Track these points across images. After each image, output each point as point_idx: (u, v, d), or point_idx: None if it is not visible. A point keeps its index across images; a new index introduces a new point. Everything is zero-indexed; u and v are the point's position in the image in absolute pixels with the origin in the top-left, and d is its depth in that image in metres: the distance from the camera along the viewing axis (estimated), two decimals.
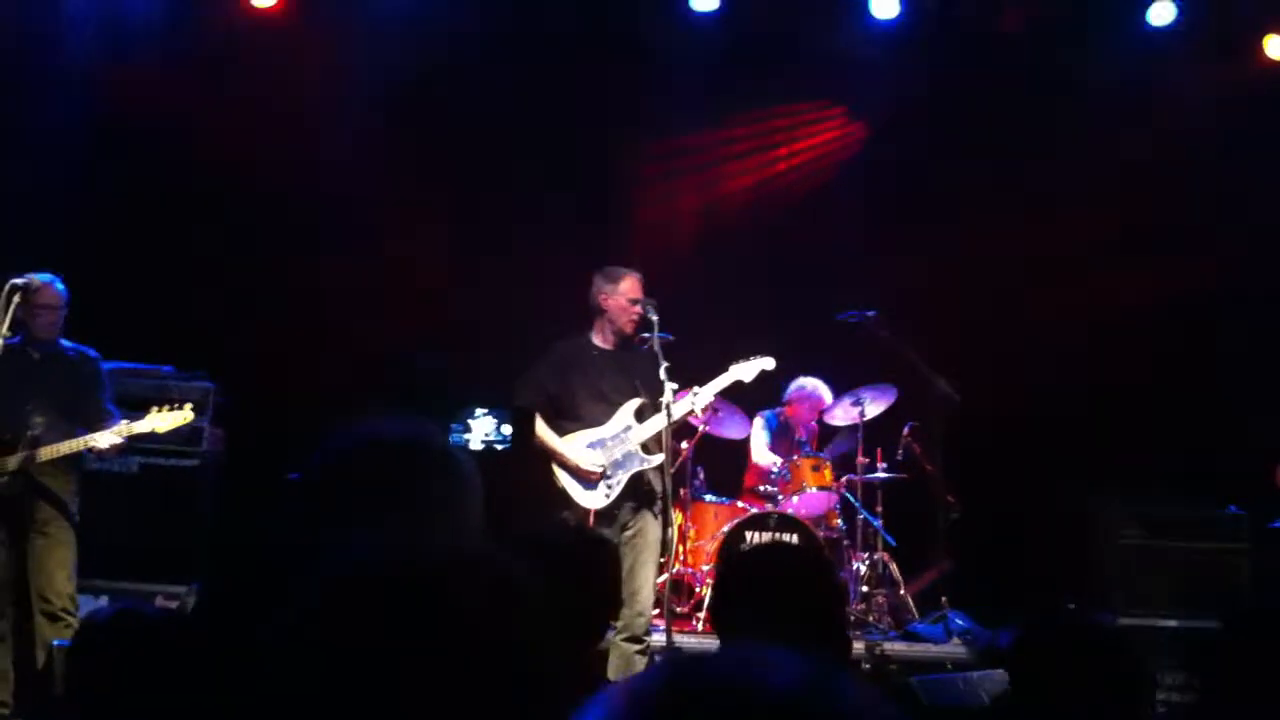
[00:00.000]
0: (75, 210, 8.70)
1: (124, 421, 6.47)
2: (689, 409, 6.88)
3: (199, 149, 8.89)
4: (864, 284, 9.18)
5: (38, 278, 6.52)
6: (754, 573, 3.18)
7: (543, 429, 6.72)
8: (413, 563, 1.29)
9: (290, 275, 9.04)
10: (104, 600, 6.80)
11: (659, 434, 6.64)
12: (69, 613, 6.39)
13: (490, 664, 1.24)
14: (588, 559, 3.27)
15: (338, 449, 2.12)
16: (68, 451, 6.42)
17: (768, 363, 7.28)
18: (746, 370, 7.16)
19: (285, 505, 2.13)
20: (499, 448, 6.52)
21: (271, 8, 9.07)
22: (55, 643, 5.97)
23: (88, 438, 6.41)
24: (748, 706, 0.99)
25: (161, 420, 6.55)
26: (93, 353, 6.75)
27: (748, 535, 7.97)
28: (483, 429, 6.43)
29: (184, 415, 6.63)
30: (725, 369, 7.18)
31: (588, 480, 6.66)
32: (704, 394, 7.00)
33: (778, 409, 8.99)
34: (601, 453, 6.67)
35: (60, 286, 6.58)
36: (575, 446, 6.66)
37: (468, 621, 1.25)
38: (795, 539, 7.91)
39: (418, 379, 8.36)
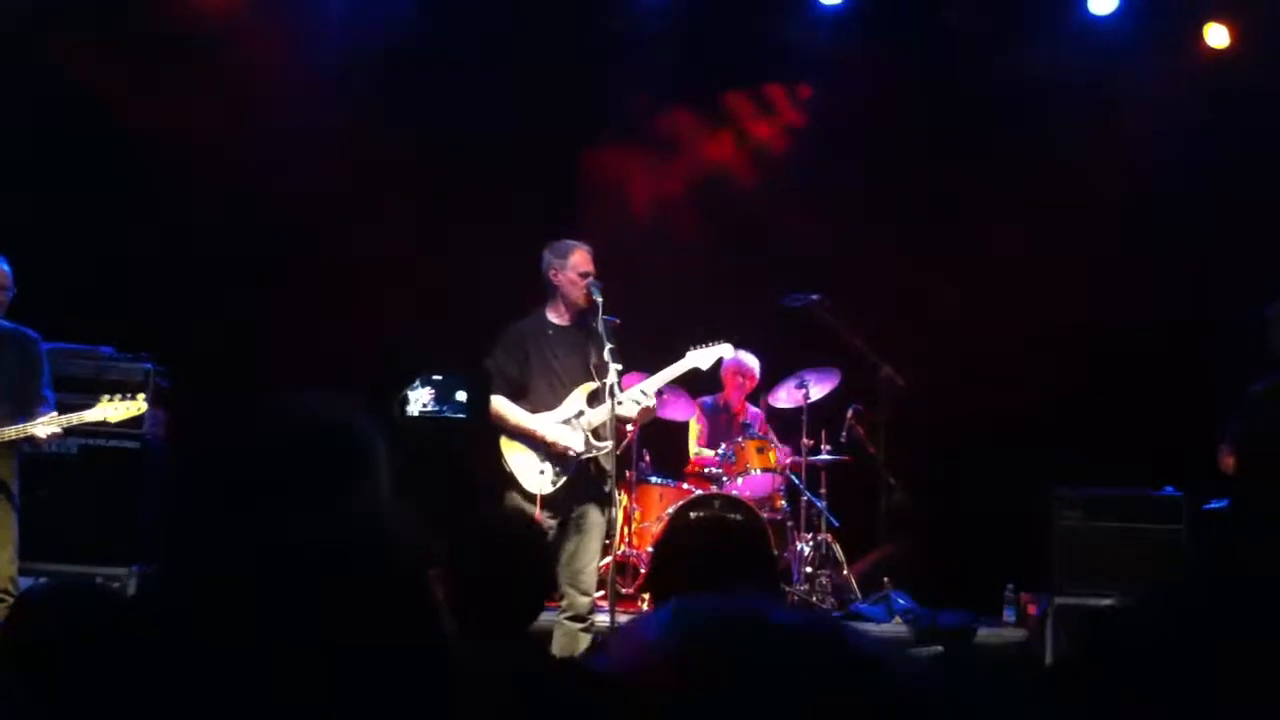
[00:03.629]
0: (19, 191, 8.59)
1: (56, 414, 6.39)
2: (644, 402, 6.83)
3: (148, 131, 8.81)
4: (811, 268, 9.24)
5: None
6: (689, 543, 3.22)
7: (513, 409, 6.71)
8: (307, 539, 1.27)
9: (235, 256, 8.98)
10: (39, 581, 6.72)
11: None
12: (10, 594, 6.32)
13: (391, 636, 1.23)
14: (518, 540, 3.29)
15: (242, 427, 2.08)
16: (5, 439, 6.35)
17: (725, 350, 7.30)
18: (704, 357, 7.19)
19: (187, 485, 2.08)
20: (437, 417, 6.47)
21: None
22: None
23: (25, 426, 6.33)
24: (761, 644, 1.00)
25: (114, 410, 6.50)
26: (33, 334, 6.65)
27: (692, 516, 7.99)
28: (420, 399, 6.40)
29: (137, 406, 6.57)
30: (677, 352, 7.21)
31: (561, 458, 6.65)
32: (658, 380, 7.02)
33: (716, 394, 9.05)
34: (572, 432, 6.68)
35: (6, 267, 6.50)
36: (551, 424, 6.66)
37: (366, 593, 1.23)
38: (739, 519, 7.95)
39: (381, 358, 8.34)
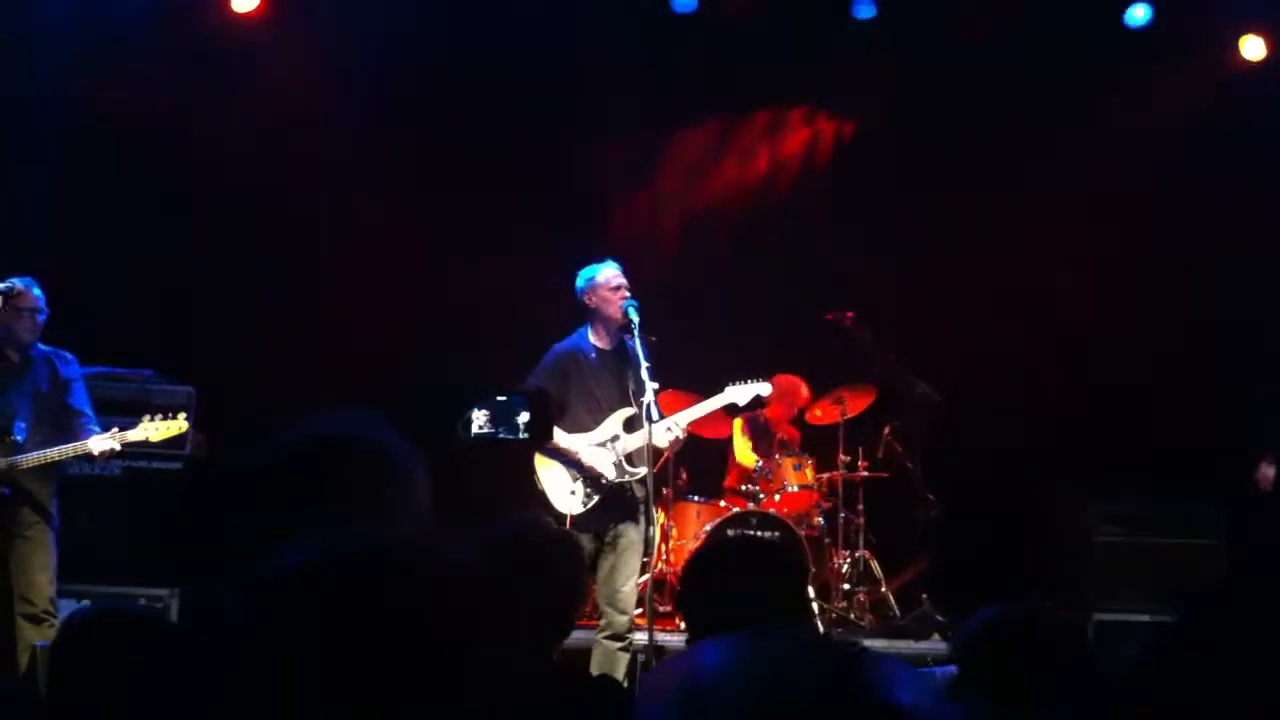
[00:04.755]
0: (55, 213, 8.68)
1: (115, 429, 6.50)
2: (674, 433, 6.81)
3: (182, 151, 8.90)
4: (845, 284, 9.24)
5: (17, 282, 6.54)
6: (718, 563, 3.22)
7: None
8: (355, 559, 1.28)
9: (272, 278, 9.05)
10: (86, 604, 6.78)
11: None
12: (50, 614, 6.40)
13: (441, 655, 1.24)
14: (549, 555, 3.29)
15: (278, 448, 2.08)
16: (58, 458, 6.44)
17: (763, 388, 7.32)
18: (741, 393, 7.20)
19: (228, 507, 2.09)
20: (496, 438, 6.47)
21: (253, 11, 9.08)
22: (38, 644, 5.99)
23: (83, 443, 6.42)
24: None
25: (155, 429, 6.58)
26: (69, 355, 6.76)
27: (730, 534, 8.00)
28: (478, 421, 6.41)
29: (178, 425, 6.65)
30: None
31: (592, 477, 6.67)
32: (693, 413, 7.03)
33: (757, 410, 9.04)
34: (605, 456, 6.70)
35: (38, 290, 6.60)
36: (585, 446, 6.69)
37: (415, 614, 1.24)
38: (777, 537, 7.95)
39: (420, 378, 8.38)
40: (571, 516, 6.64)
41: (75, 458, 6.57)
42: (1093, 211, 9.41)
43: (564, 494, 6.69)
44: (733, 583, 3.02)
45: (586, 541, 6.49)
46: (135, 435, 6.54)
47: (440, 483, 2.15)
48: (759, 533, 8.03)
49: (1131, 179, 9.24)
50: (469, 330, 9.03)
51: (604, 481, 6.67)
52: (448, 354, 8.81)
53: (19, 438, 6.43)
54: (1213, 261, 9.16)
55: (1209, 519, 8.15)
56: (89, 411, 6.67)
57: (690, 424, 7.02)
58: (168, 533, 7.48)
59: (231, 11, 9.05)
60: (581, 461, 6.67)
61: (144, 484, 7.58)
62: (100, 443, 6.42)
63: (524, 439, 6.32)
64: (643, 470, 6.65)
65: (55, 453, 6.42)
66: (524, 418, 6.26)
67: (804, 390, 8.99)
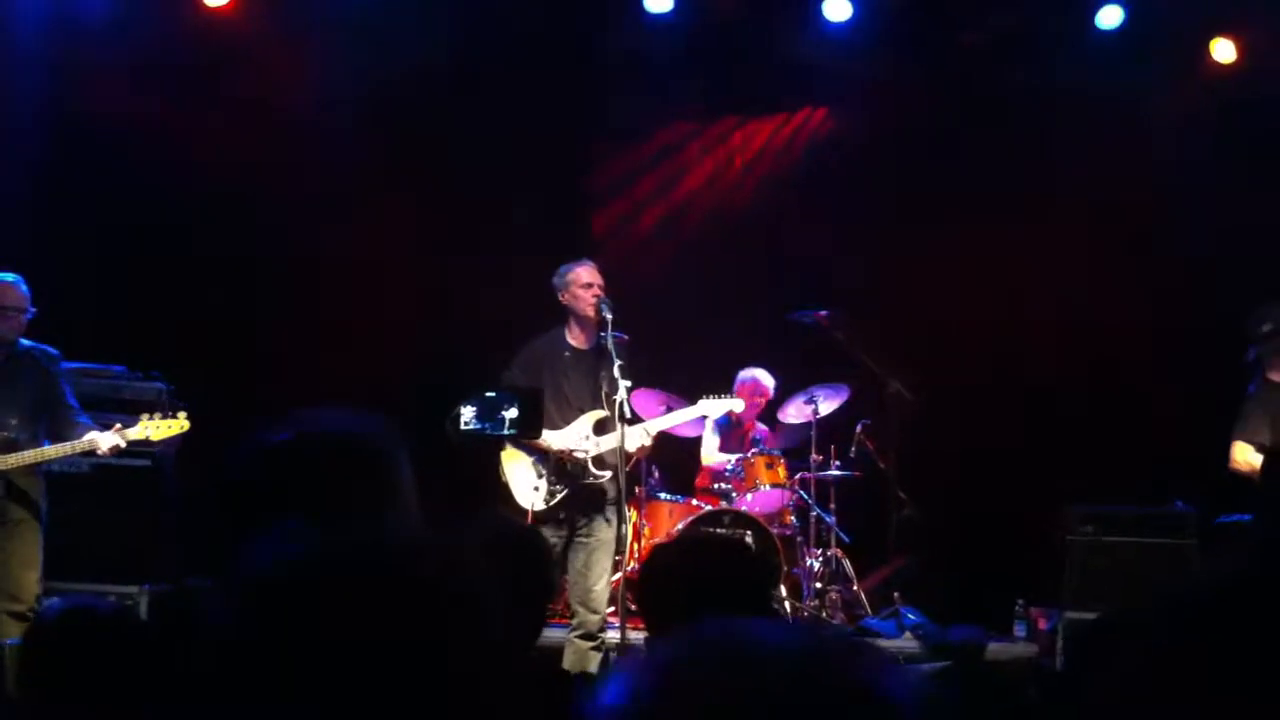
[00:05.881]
0: (31, 210, 8.62)
1: (118, 425, 6.43)
2: (642, 441, 6.82)
3: (155, 148, 8.86)
4: (819, 283, 9.25)
5: (4, 277, 6.47)
6: (672, 560, 3.20)
7: None
8: (344, 558, 1.27)
9: (248, 275, 9.01)
10: (55, 601, 6.71)
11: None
12: (36, 612, 6.34)
13: (434, 654, 1.23)
14: (519, 554, 3.29)
15: (263, 446, 2.07)
16: (58, 455, 6.38)
17: (736, 404, 7.38)
18: (715, 407, 7.25)
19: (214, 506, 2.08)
20: (484, 434, 6.46)
21: (224, 7, 9.02)
22: (8, 641, 5.94)
23: (89, 440, 6.34)
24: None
25: (155, 427, 6.51)
26: (53, 351, 6.69)
27: (700, 532, 8.00)
28: (465, 417, 6.41)
29: (179, 424, 6.58)
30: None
31: (559, 476, 6.67)
32: (665, 422, 7.07)
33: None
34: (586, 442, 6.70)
35: (24, 288, 6.53)
36: (554, 434, 6.69)
37: (405, 613, 1.23)
38: (749, 536, 7.95)
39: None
40: (534, 512, 6.64)
41: (101, 453, 6.49)
42: (1074, 214, 9.44)
43: (528, 489, 6.69)
44: (691, 579, 3.01)
45: (551, 535, 6.48)
46: (135, 433, 6.45)
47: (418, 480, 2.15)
48: (730, 531, 8.03)
49: (1128, 180, 9.26)
50: (460, 329, 9.00)
51: (579, 458, 6.65)
52: (442, 354, 8.80)
53: (14, 435, 6.37)
54: (1203, 263, 9.18)
55: (1182, 520, 8.18)
56: (77, 405, 6.62)
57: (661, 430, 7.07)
58: (138, 530, 7.43)
59: (204, 6, 9.00)
60: (552, 449, 6.66)
61: (114, 481, 7.51)
62: (108, 439, 6.35)
63: (511, 435, 6.32)
64: (608, 474, 6.66)
65: (56, 450, 6.37)
66: (511, 413, 6.26)
67: (768, 380, 8.93)
